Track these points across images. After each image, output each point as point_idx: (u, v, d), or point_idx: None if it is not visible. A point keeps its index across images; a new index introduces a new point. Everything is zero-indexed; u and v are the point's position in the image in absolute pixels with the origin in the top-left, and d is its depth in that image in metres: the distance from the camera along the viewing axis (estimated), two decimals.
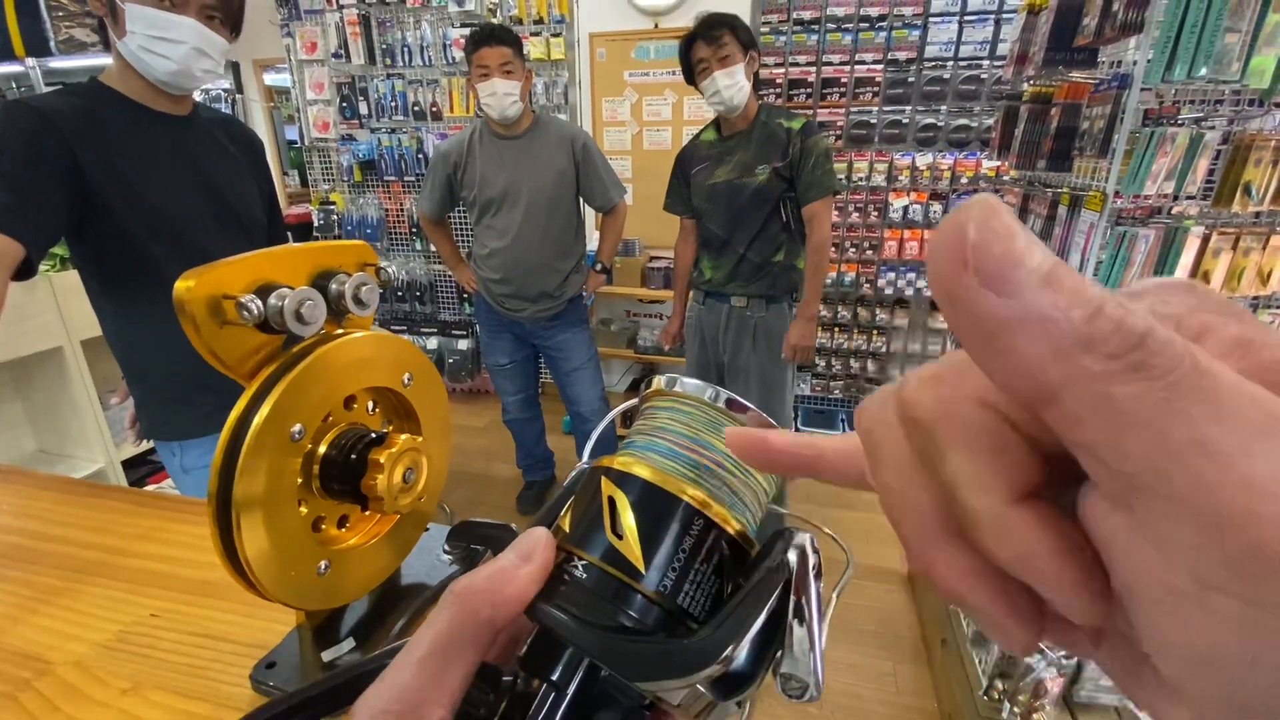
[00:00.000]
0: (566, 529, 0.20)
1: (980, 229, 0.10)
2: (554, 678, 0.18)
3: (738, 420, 0.22)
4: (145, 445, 2.05)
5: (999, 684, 1.51)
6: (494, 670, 0.19)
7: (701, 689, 0.18)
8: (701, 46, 1.75)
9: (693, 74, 1.82)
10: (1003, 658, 1.52)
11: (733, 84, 1.74)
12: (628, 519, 0.19)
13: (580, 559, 0.19)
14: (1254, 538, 0.09)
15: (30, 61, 2.79)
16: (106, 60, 1.12)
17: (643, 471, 0.20)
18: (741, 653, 0.17)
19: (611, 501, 0.20)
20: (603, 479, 0.21)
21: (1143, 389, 0.09)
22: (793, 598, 0.18)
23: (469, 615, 0.17)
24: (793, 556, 0.19)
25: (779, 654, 0.19)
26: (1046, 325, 0.10)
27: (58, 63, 2.88)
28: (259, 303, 0.37)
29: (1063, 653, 1.49)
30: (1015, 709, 1.47)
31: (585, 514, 0.20)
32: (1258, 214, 1.34)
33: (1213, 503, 0.09)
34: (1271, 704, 0.09)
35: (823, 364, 3.05)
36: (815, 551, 0.20)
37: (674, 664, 0.17)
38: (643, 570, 0.19)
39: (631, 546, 0.19)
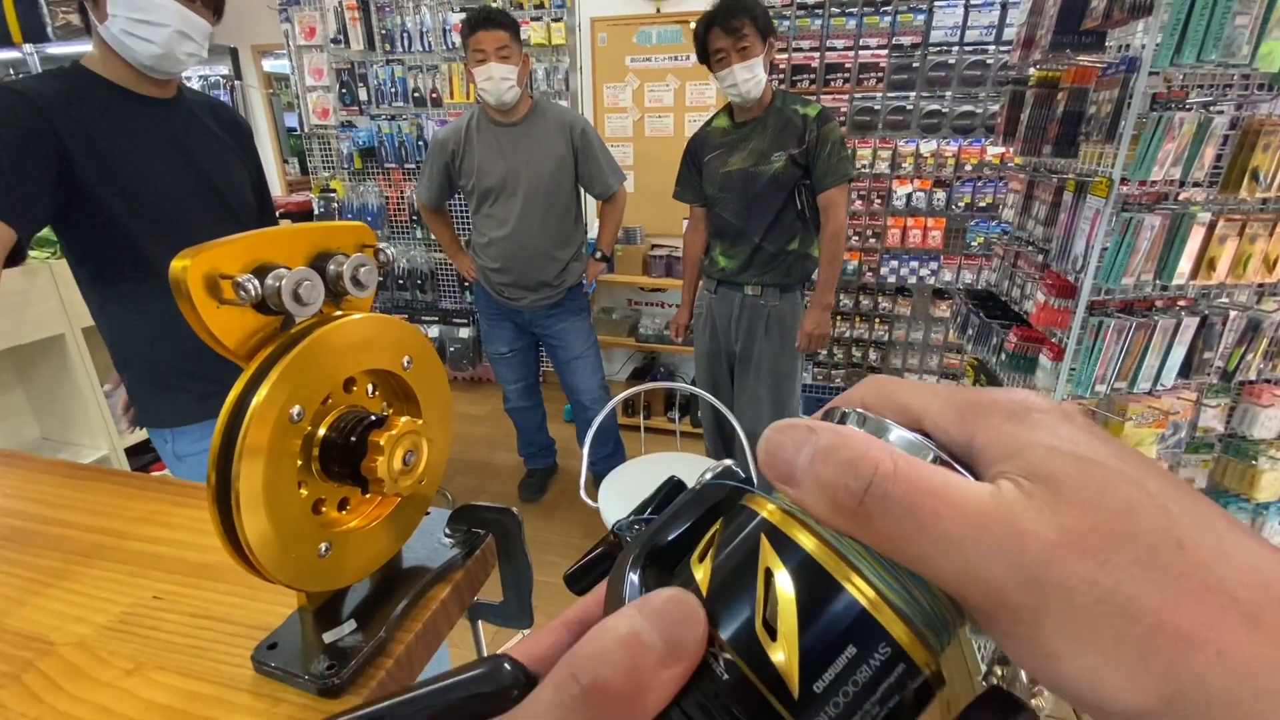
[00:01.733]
0: (704, 589, 0.16)
1: (764, 455, 0.16)
2: None
3: None
4: (142, 433, 2.06)
5: (999, 669, 1.52)
6: None
7: None
8: (720, 35, 1.71)
9: (708, 59, 1.80)
10: None
11: (751, 77, 1.72)
12: (787, 611, 0.15)
13: (723, 652, 0.15)
14: (940, 583, 0.15)
15: (28, 48, 2.78)
16: None
17: (807, 542, 0.15)
18: None
19: (769, 576, 0.15)
20: (762, 539, 0.16)
21: (877, 527, 0.15)
22: None
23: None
24: None
25: None
26: (816, 501, 0.15)
27: (55, 49, 2.86)
28: (256, 282, 0.36)
29: None
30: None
31: (732, 582, 0.16)
32: (1265, 200, 1.33)
33: (918, 569, 0.15)
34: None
35: (824, 352, 3.05)
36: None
37: None
38: (795, 696, 0.14)
39: (789, 662, 0.14)
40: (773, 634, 0.15)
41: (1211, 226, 1.29)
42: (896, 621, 0.14)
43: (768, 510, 0.16)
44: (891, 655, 0.14)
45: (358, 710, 0.17)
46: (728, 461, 0.19)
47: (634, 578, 0.17)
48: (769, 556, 0.15)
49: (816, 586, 0.15)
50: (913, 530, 0.14)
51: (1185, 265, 1.31)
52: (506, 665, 0.17)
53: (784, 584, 0.15)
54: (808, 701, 0.14)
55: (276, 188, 4.20)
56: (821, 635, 0.14)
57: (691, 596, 0.15)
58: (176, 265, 0.35)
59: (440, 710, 0.16)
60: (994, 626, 0.14)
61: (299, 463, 0.41)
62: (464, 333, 3.43)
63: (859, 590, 0.15)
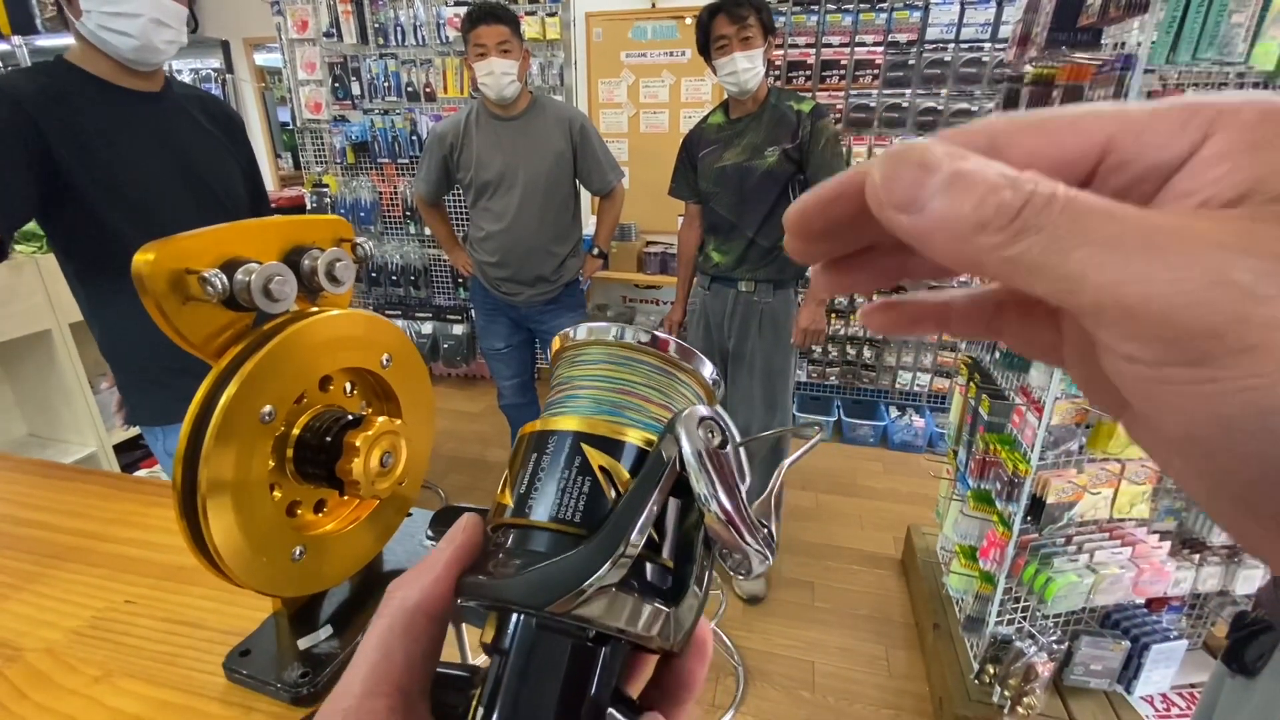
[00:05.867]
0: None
1: (884, 172, 0.13)
2: (503, 646, 0.18)
3: (597, 342, 0.21)
4: (131, 429, 2.04)
5: (990, 668, 1.52)
6: (463, 679, 0.19)
7: (625, 595, 0.17)
8: (724, 22, 1.71)
9: (708, 47, 1.79)
10: (994, 642, 1.52)
11: (751, 67, 1.71)
12: (505, 478, 0.20)
13: (498, 528, 0.20)
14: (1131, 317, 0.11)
15: (16, 40, 2.75)
16: None
17: (530, 427, 0.20)
18: (634, 548, 0.17)
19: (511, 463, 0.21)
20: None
21: (1030, 242, 0.12)
22: (695, 483, 0.17)
23: (398, 606, 0.18)
24: (679, 432, 0.18)
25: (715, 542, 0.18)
26: (946, 224, 0.12)
27: (44, 41, 2.83)
28: (224, 278, 0.35)
29: (1054, 638, 1.50)
30: (1006, 692, 1.47)
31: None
32: None
33: (1089, 301, 0.11)
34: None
35: (819, 350, 3.04)
36: (716, 422, 0.18)
37: (566, 574, 0.17)
38: (509, 503, 0.19)
39: (506, 489, 0.20)
40: (500, 490, 0.20)
41: None
42: (579, 423, 0.19)
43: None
44: (560, 440, 0.19)
45: None
46: None
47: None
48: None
49: (518, 444, 0.21)
50: (1065, 239, 0.11)
51: None
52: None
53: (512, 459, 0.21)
54: (532, 501, 0.19)
55: (269, 182, 4.17)
56: (521, 461, 0.20)
57: (469, 512, 0.21)
58: (139, 259, 0.34)
59: None
60: (1181, 359, 0.11)
61: (271, 464, 0.40)
62: (458, 329, 3.41)
63: (524, 430, 0.21)
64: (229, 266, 0.36)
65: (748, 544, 0.17)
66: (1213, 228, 0.11)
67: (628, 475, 0.18)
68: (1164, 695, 1.53)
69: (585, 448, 0.19)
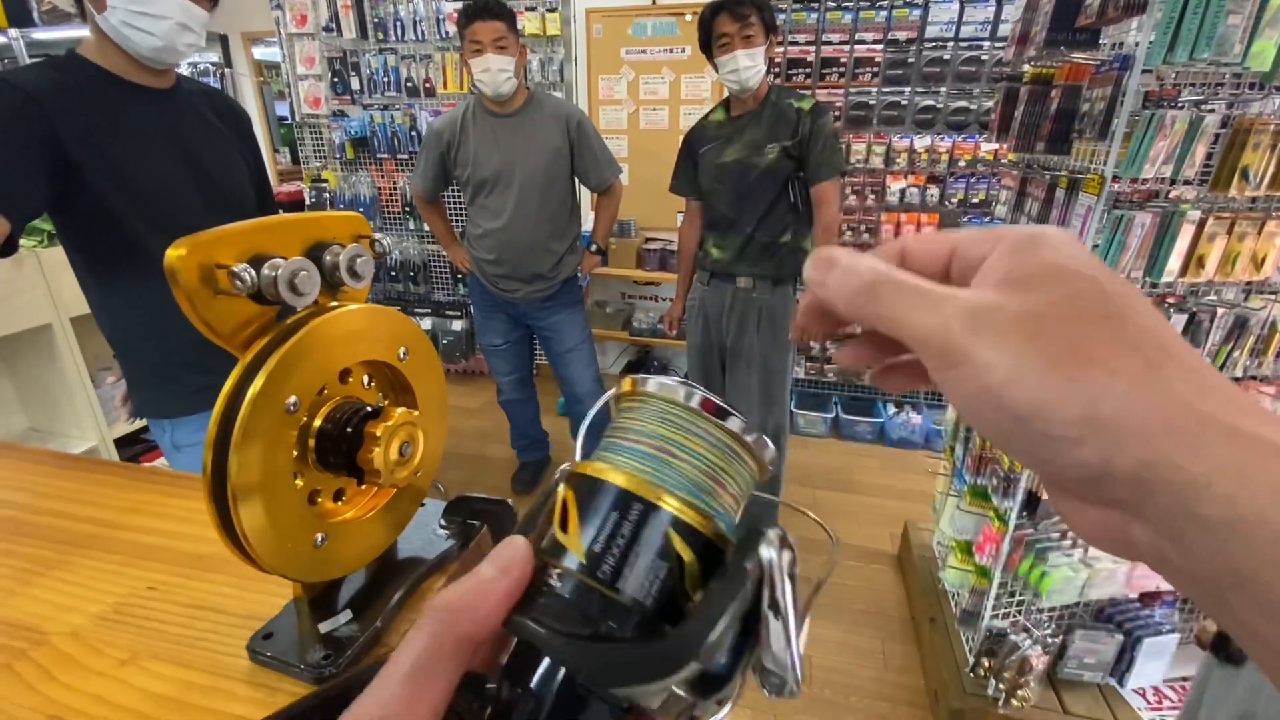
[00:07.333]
0: (543, 536, 0.21)
1: (813, 265, 0.22)
2: (533, 686, 0.18)
3: (712, 422, 0.21)
4: (139, 423, 2.04)
5: (985, 661, 1.54)
6: (480, 679, 0.19)
7: (679, 691, 0.17)
8: (727, 20, 1.73)
9: (710, 45, 1.80)
10: (989, 636, 1.54)
11: (753, 65, 1.73)
12: (574, 520, 0.20)
13: (555, 568, 0.19)
14: (924, 351, 0.19)
15: (14, 32, 2.73)
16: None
17: (611, 476, 0.20)
18: (714, 653, 0.17)
19: (565, 504, 0.20)
20: (562, 484, 0.21)
21: (880, 302, 0.20)
22: (766, 593, 0.18)
23: (448, 632, 0.18)
24: (766, 552, 0.19)
25: (757, 650, 0.19)
26: (839, 291, 0.21)
27: (41, 34, 2.82)
28: (252, 272, 0.36)
29: (1048, 631, 1.52)
30: (1001, 685, 1.49)
31: (546, 517, 0.21)
32: (1254, 199, 1.34)
33: (905, 334, 0.19)
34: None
35: (817, 347, 3.05)
36: (790, 548, 0.19)
37: (643, 668, 0.17)
38: (578, 553, 0.19)
39: (572, 530, 0.19)
40: (565, 529, 0.20)
41: (1201, 224, 1.30)
42: (660, 493, 0.20)
43: (575, 466, 0.22)
44: (643, 509, 0.19)
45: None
46: (566, 467, 0.23)
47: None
48: (565, 491, 0.21)
49: (583, 488, 0.20)
50: (893, 300, 0.19)
51: (1175, 263, 1.32)
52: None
53: (570, 501, 0.20)
54: (595, 563, 0.19)
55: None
56: (588, 512, 0.20)
57: (517, 536, 0.20)
58: (172, 254, 0.35)
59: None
60: (945, 365, 0.18)
61: (295, 453, 0.41)
62: (457, 325, 3.42)
63: (607, 476, 0.20)
64: (256, 261, 0.37)
65: (794, 672, 0.18)
66: (965, 294, 0.19)
67: (698, 569, 0.19)
68: (1155, 688, 1.55)
69: (671, 533, 0.19)
